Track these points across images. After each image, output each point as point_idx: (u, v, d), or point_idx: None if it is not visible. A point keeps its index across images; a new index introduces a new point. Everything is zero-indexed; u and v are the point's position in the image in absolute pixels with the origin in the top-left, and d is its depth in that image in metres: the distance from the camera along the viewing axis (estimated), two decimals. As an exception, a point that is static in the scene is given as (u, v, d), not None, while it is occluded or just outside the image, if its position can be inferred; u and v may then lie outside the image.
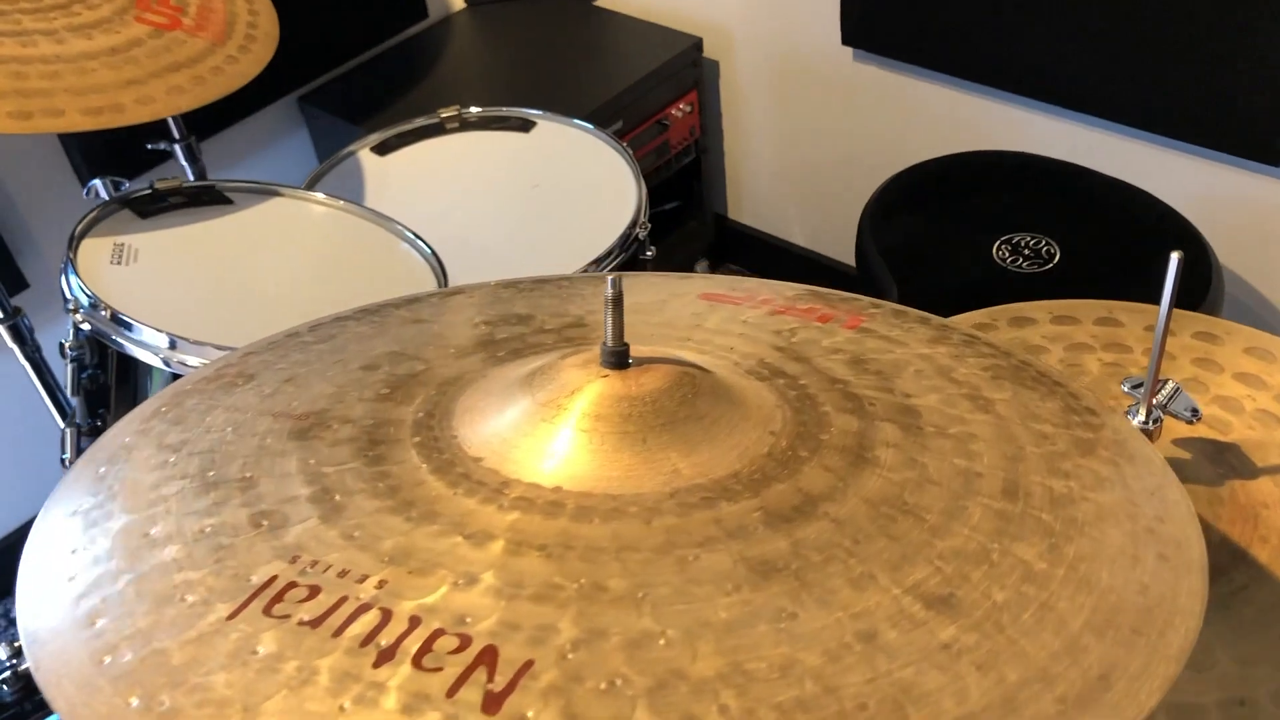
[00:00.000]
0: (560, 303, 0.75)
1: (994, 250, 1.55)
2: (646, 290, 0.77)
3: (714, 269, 2.58)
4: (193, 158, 1.74)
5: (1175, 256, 0.63)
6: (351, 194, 1.57)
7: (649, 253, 1.50)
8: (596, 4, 2.41)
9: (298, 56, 2.10)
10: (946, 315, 1.40)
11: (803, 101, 2.20)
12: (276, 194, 1.28)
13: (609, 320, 0.56)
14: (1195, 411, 0.70)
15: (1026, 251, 1.54)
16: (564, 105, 2.00)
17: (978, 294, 1.48)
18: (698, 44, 2.18)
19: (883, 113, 2.09)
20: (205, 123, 2.04)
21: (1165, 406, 0.69)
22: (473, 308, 0.75)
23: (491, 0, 2.37)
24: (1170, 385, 0.70)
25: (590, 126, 1.64)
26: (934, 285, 1.53)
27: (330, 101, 2.15)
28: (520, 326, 0.71)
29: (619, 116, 2.09)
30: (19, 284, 1.90)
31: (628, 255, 1.46)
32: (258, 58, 1.21)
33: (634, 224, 1.47)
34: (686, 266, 2.48)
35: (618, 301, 0.55)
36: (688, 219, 2.46)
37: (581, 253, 1.43)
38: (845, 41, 2.03)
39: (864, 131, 2.15)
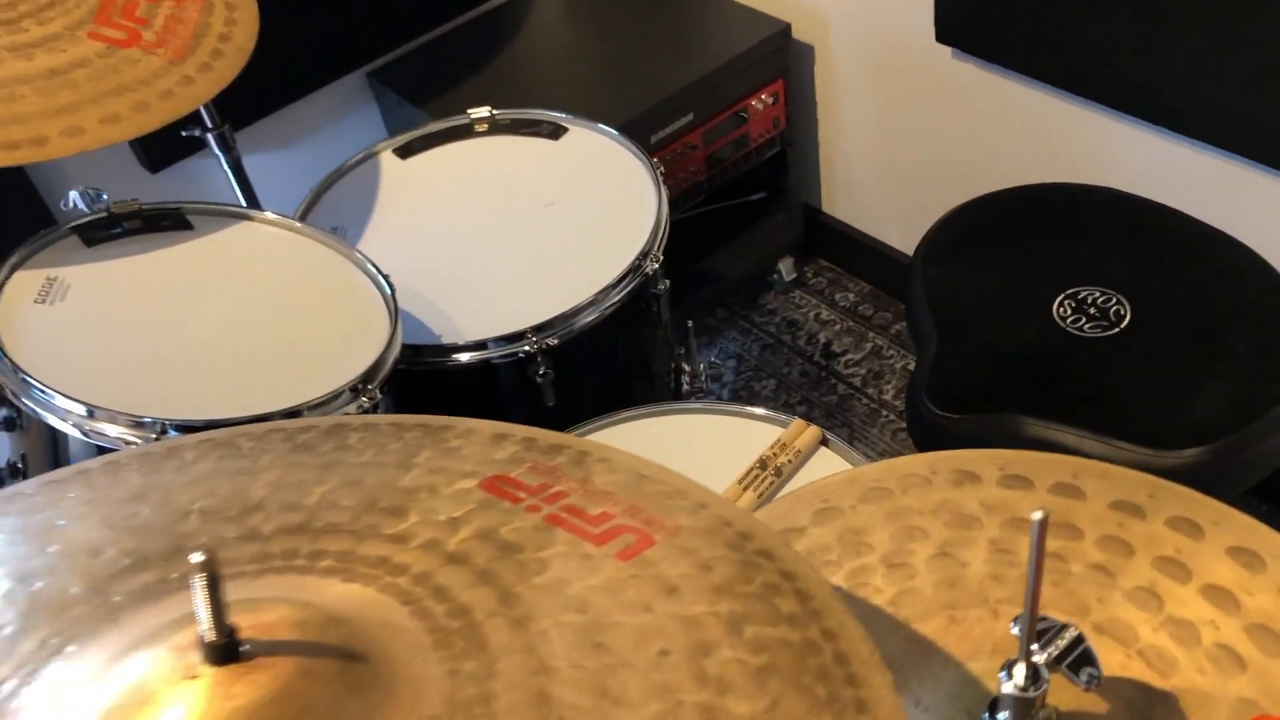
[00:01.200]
0: (342, 481, 0.59)
1: (1055, 306, 1.36)
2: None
3: (803, 264, 2.42)
4: (226, 146, 1.69)
5: (1038, 517, 0.49)
6: (364, 199, 1.49)
7: (662, 285, 1.38)
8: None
9: (369, 29, 2.03)
10: (977, 391, 1.23)
11: (899, 96, 2.01)
12: (245, 219, 1.21)
13: (202, 602, 0.43)
14: (1094, 678, 0.55)
15: (1092, 310, 1.34)
16: (631, 94, 1.87)
17: (1024, 360, 1.30)
18: (785, 30, 2.01)
19: (980, 117, 1.89)
20: (271, 96, 1.99)
21: (1057, 663, 0.55)
22: (185, 483, 0.59)
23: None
24: (1071, 634, 0.55)
25: (621, 137, 1.52)
26: (978, 343, 1.35)
27: (398, 79, 2.07)
28: (227, 524, 0.55)
29: (690, 108, 1.94)
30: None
31: (633, 289, 1.34)
32: (217, 77, 1.14)
33: (644, 255, 1.35)
34: (769, 262, 2.33)
35: (212, 581, 0.43)
36: (774, 211, 2.30)
37: (585, 282, 1.31)
38: (940, 39, 1.82)
39: (960, 135, 1.95)
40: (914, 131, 2.03)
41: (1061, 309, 1.35)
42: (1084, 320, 1.34)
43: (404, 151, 1.57)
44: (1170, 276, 1.37)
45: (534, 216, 1.44)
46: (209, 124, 1.66)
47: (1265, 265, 1.35)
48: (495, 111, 1.59)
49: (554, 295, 1.32)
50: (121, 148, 1.91)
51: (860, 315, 2.30)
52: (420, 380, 1.30)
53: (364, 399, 1.05)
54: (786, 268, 2.35)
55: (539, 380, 1.29)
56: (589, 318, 1.30)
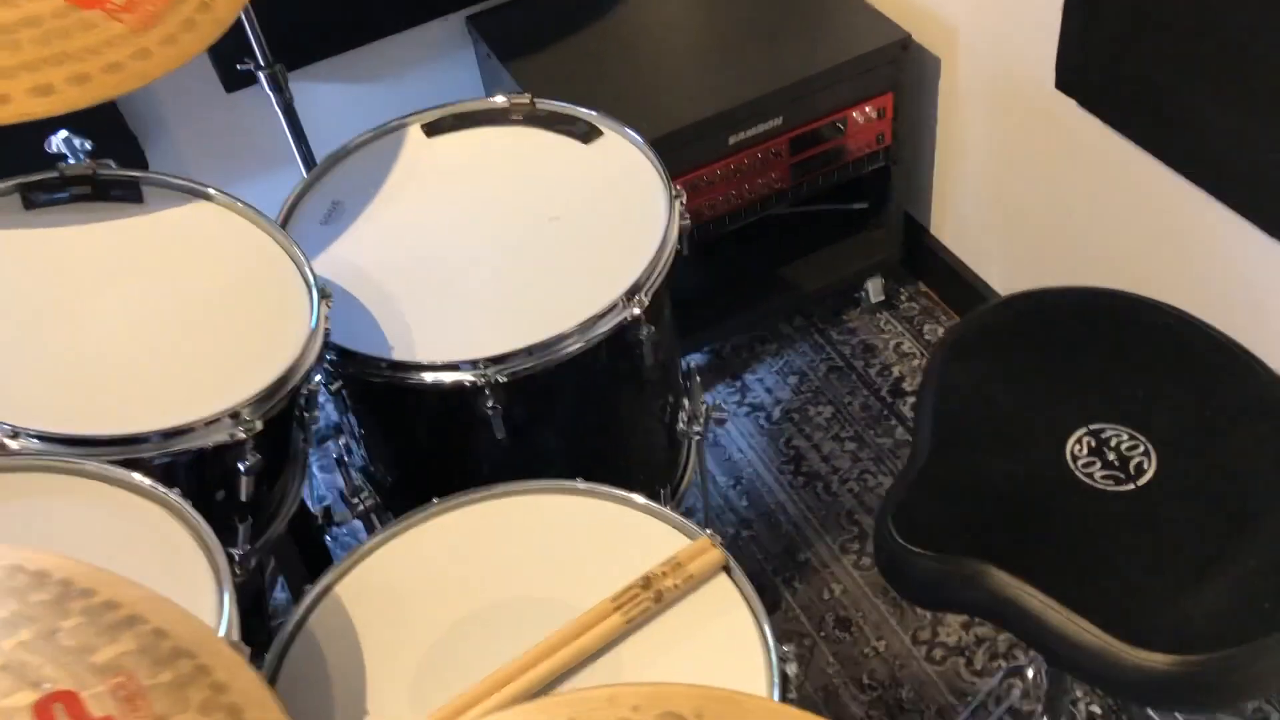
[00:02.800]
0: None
1: (1072, 440, 1.18)
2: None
3: (899, 284, 2.24)
4: (277, 86, 1.66)
5: None
6: (375, 175, 1.43)
7: (645, 332, 1.27)
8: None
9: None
10: (950, 524, 1.07)
11: (1016, 131, 1.80)
12: (202, 197, 1.16)
13: None
14: None
15: (1112, 456, 1.17)
16: (718, 88, 1.74)
17: (1016, 499, 1.15)
18: (903, 41, 1.82)
19: (1094, 177, 1.67)
20: (366, 27, 1.94)
21: None
22: None
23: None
24: None
25: (650, 153, 1.40)
26: (971, 466, 1.20)
27: (493, 29, 1.98)
28: None
29: (779, 112, 1.79)
30: (137, 165, 1.91)
31: (605, 334, 1.23)
32: (180, 52, 1.07)
33: (629, 295, 1.24)
34: (859, 278, 2.17)
35: None
36: (873, 225, 2.13)
37: (559, 316, 1.22)
38: (1059, 87, 1.61)
39: (1072, 191, 1.73)
40: (1027, 173, 1.83)
41: (1078, 445, 1.18)
42: (1099, 465, 1.16)
43: (432, 129, 1.49)
44: (1214, 433, 1.17)
45: (535, 228, 1.34)
46: (260, 62, 1.62)
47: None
48: (536, 101, 1.48)
49: (523, 325, 1.23)
50: (201, 60, 1.89)
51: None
52: (379, 388, 1.24)
53: (240, 430, 0.99)
54: (875, 288, 2.18)
55: (489, 412, 1.21)
56: (547, 358, 1.21)
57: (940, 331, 2.17)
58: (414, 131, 1.48)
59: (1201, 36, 1.31)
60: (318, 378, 1.19)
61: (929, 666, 1.71)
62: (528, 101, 1.49)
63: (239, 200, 1.18)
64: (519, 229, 1.34)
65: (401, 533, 1.08)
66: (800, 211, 2.15)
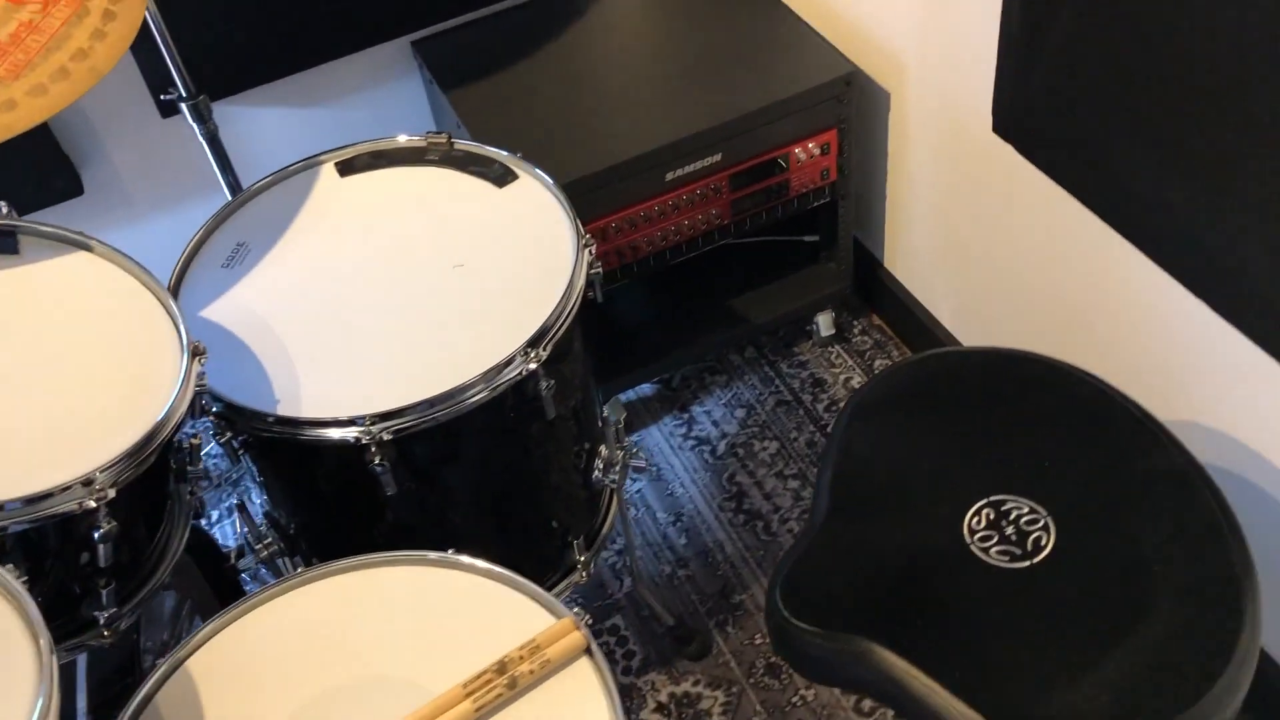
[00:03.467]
0: None
1: (971, 513, 1.15)
2: None
3: (854, 315, 2.21)
4: (200, 117, 1.63)
5: None
6: (284, 215, 1.40)
7: (544, 386, 1.23)
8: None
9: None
10: (838, 600, 1.02)
11: (960, 170, 1.76)
12: (83, 249, 1.13)
13: None
14: None
15: (1010, 530, 1.13)
16: (656, 122, 1.70)
17: (908, 575, 1.11)
18: (846, 78, 1.78)
19: (1034, 220, 1.63)
20: (308, 51, 1.91)
21: None
22: None
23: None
24: None
25: (562, 200, 1.36)
26: (866, 537, 1.16)
27: (436, 55, 1.96)
28: None
29: (718, 149, 1.76)
30: (73, 190, 1.89)
31: (499, 389, 1.20)
32: (46, 105, 1.04)
33: (530, 346, 1.21)
34: (809, 311, 2.13)
35: None
36: (823, 257, 2.09)
37: (453, 370, 1.19)
38: (995, 130, 1.58)
39: (1016, 233, 1.70)
40: (971, 212, 1.79)
41: (977, 518, 1.15)
42: (995, 540, 1.13)
43: (346, 168, 1.46)
44: (1116, 509, 1.14)
45: (439, 276, 1.31)
46: (182, 93, 1.59)
47: (1226, 519, 1.11)
48: (454, 141, 1.45)
49: (415, 379, 1.20)
50: (137, 84, 1.86)
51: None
52: (268, 441, 1.21)
53: (91, 499, 0.96)
54: (825, 321, 2.14)
55: (377, 469, 1.18)
56: (438, 414, 1.18)
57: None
58: (327, 170, 1.46)
59: (1135, 91, 1.27)
60: (196, 434, 1.16)
61: (856, 718, 1.67)
62: (445, 142, 1.46)
63: (120, 253, 1.15)
64: (423, 276, 1.31)
65: (262, 604, 1.05)
66: (751, 242, 2.12)
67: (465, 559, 1.05)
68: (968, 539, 1.13)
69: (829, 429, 2.05)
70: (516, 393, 1.23)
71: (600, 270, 1.35)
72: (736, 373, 2.17)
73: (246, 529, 1.41)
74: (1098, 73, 1.31)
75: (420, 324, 1.26)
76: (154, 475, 1.09)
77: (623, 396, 2.13)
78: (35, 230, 1.15)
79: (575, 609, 0.99)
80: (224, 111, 1.93)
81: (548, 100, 1.81)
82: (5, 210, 1.29)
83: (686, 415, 2.11)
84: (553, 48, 1.92)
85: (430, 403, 1.17)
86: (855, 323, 2.21)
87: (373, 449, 1.17)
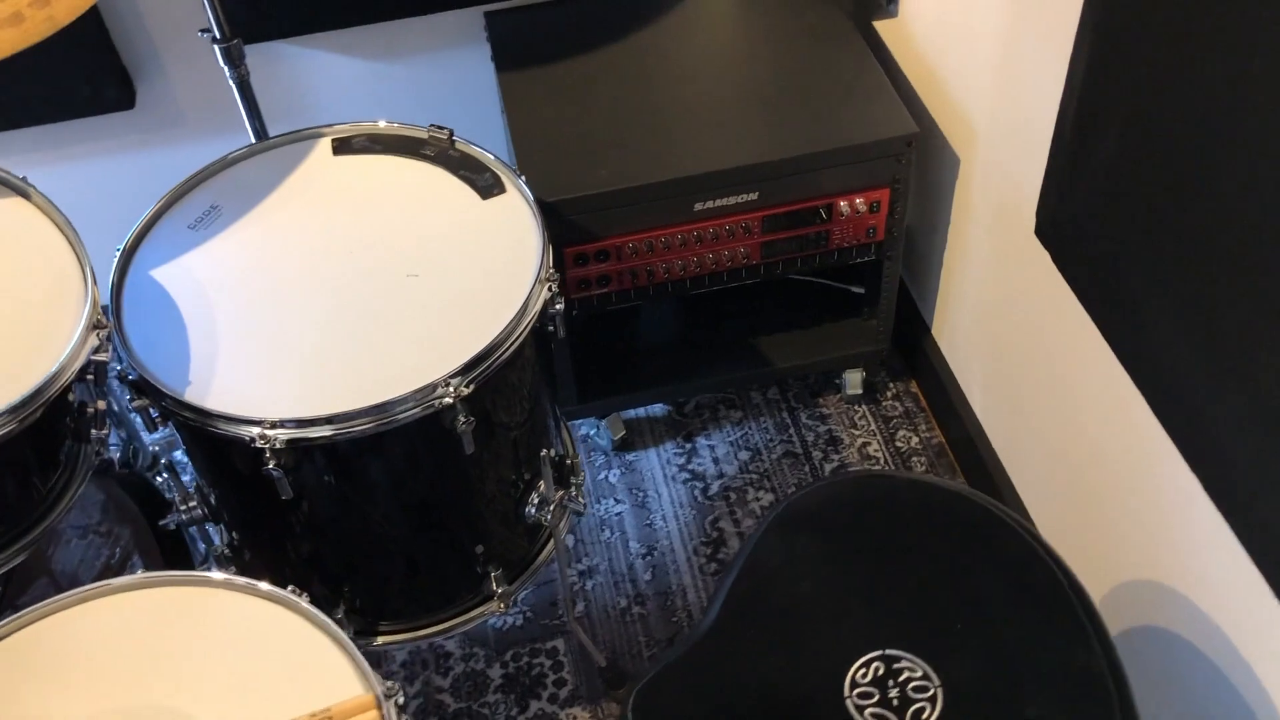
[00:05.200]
0: None
1: (856, 669, 1.05)
2: None
3: (888, 381, 2.09)
4: (231, 61, 1.60)
5: None
6: (264, 185, 1.37)
7: (463, 422, 1.18)
8: (878, 23, 1.90)
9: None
10: None
11: (1010, 256, 1.63)
12: (22, 195, 1.12)
13: None
14: None
15: (893, 693, 1.03)
16: (697, 149, 1.62)
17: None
18: (909, 138, 1.66)
19: (1061, 335, 1.49)
20: (379, 6, 1.87)
21: None
22: None
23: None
24: None
25: (540, 225, 1.29)
26: (738, 672, 1.08)
27: (505, 31, 1.90)
28: None
29: (755, 188, 1.66)
30: (124, 102, 1.90)
31: (414, 416, 1.15)
32: (-8, 49, 1.02)
33: (453, 378, 1.15)
34: (839, 365, 2.02)
35: None
36: (867, 313, 1.98)
37: (371, 387, 1.14)
38: (1036, 233, 1.44)
39: (1044, 341, 1.56)
40: (1010, 306, 1.66)
41: (864, 671, 1.05)
42: (876, 700, 1.03)
43: (341, 146, 1.41)
44: (1016, 690, 1.03)
45: (390, 282, 1.26)
46: (216, 33, 1.56)
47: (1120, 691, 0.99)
48: (455, 140, 1.39)
49: (326, 391, 1.16)
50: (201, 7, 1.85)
51: (912, 469, 1.97)
52: (177, 419, 1.18)
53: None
54: (853, 380, 2.03)
55: (272, 472, 1.15)
56: (339, 432, 1.14)
57: (915, 440, 2.01)
58: (323, 145, 1.42)
59: (1167, 240, 1.13)
60: (99, 402, 1.14)
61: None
62: (446, 138, 1.40)
63: (55, 207, 1.12)
64: (374, 279, 1.26)
65: (51, 614, 1.02)
66: (796, 280, 2.02)
67: (303, 603, 1.00)
68: (847, 692, 1.04)
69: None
70: (431, 423, 1.17)
71: (561, 308, 1.28)
72: (753, 411, 2.07)
73: (175, 487, 1.39)
74: (1134, 209, 1.17)
75: (354, 332, 1.21)
76: (41, 432, 1.08)
77: (630, 413, 2.06)
78: (-19, 171, 1.13)
79: (391, 683, 0.94)
80: (286, 50, 1.92)
81: (595, 101, 1.74)
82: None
83: (689, 445, 2.03)
84: (619, 46, 1.84)
85: (331, 419, 1.13)
86: (891, 385, 2.10)
87: (267, 453, 1.13)
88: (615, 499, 1.96)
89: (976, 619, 1.07)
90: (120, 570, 1.72)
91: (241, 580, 1.01)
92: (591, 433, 2.03)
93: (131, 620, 0.99)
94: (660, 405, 2.08)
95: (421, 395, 1.14)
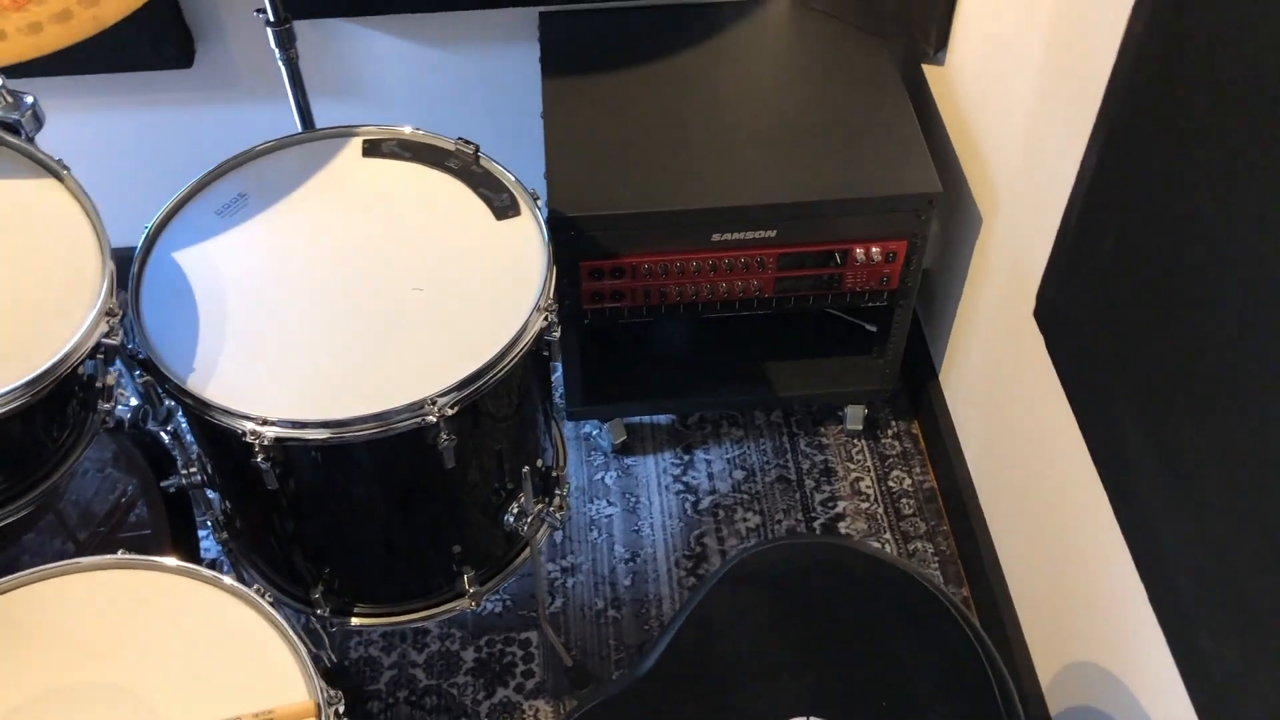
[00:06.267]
0: None
1: (783, 725, 1.10)
2: None
3: (892, 419, 2.12)
4: (282, 43, 1.65)
5: None
6: (290, 181, 1.42)
7: (445, 440, 1.23)
8: (927, 67, 1.92)
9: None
10: None
11: (1014, 326, 1.65)
12: (56, 177, 1.18)
13: None
14: None
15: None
16: (721, 177, 1.65)
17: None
18: (932, 197, 1.68)
19: (1047, 418, 1.52)
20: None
21: None
22: None
23: (824, 12, 1.94)
24: None
25: (547, 254, 1.34)
26: None
27: (556, 33, 1.93)
28: None
29: (773, 224, 1.69)
30: (181, 61, 1.95)
31: (400, 430, 1.21)
32: (34, 44, 1.08)
33: (441, 397, 1.21)
34: (843, 400, 2.06)
35: None
36: (878, 351, 2.00)
37: (363, 396, 1.20)
38: (1036, 315, 1.46)
39: (1031, 417, 1.58)
40: (1006, 373, 1.68)
41: (786, 734, 1.10)
42: (791, 764, 1.08)
43: (371, 148, 1.46)
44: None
45: (395, 293, 1.31)
46: (270, 15, 1.61)
47: None
48: (480, 156, 1.44)
49: (321, 397, 1.22)
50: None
51: (899, 512, 2.00)
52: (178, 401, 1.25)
53: None
54: (854, 415, 2.06)
55: (261, 466, 1.21)
56: (329, 437, 1.20)
57: (908, 482, 2.04)
58: (354, 145, 1.47)
59: (1153, 359, 1.16)
60: (108, 377, 1.21)
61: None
62: (471, 153, 1.44)
63: (84, 193, 1.19)
64: (382, 288, 1.31)
65: (16, 587, 1.08)
66: (819, 310, 2.05)
67: (264, 602, 1.07)
68: (765, 753, 1.08)
69: (812, 520, 1.99)
70: (414, 437, 1.23)
71: (558, 335, 1.33)
72: (754, 432, 2.12)
73: (179, 451, 1.46)
74: (1121, 318, 1.19)
75: (353, 339, 1.27)
76: (51, 400, 1.15)
77: (634, 418, 2.11)
78: (16, 147, 1.19)
79: (332, 693, 1.00)
80: (341, 27, 1.96)
81: (631, 116, 1.77)
82: (30, 100, 1.35)
83: (687, 457, 2.08)
84: (665, 63, 1.87)
85: (318, 424, 1.19)
86: (894, 423, 2.12)
87: (256, 447, 1.19)
88: (608, 501, 2.02)
89: (903, 702, 1.11)
90: (128, 512, 1.81)
91: (208, 572, 1.07)
92: (594, 432, 2.08)
93: (97, 599, 1.05)
94: (663, 415, 2.13)
95: (407, 412, 1.19)
